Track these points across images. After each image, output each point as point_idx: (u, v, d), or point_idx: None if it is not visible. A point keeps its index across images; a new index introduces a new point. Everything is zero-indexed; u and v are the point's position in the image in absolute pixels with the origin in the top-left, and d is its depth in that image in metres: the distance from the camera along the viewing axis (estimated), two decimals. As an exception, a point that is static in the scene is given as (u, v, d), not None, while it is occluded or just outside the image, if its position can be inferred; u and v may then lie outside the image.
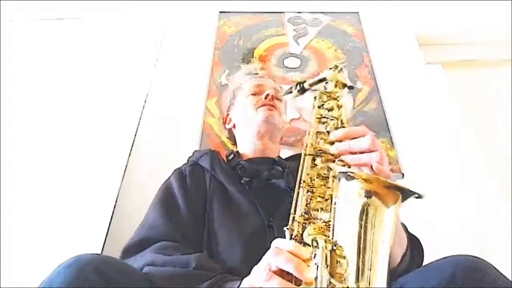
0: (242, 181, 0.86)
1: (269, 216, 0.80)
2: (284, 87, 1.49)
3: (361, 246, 0.47)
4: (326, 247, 0.49)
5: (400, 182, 0.49)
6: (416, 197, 0.50)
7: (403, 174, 1.27)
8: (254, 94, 1.04)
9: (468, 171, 1.32)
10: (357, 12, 1.82)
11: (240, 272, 0.69)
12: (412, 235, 0.75)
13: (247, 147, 1.01)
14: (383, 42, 1.69)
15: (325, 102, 0.72)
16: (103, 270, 0.54)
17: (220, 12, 1.82)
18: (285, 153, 1.09)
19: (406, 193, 0.49)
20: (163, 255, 0.70)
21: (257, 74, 1.19)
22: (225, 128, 1.15)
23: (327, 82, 0.75)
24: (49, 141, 1.36)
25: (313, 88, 0.76)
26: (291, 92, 0.80)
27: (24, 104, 1.49)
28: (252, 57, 1.64)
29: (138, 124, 1.41)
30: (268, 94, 1.01)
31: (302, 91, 0.80)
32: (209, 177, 0.89)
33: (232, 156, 0.97)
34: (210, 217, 0.81)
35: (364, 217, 0.48)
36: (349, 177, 0.50)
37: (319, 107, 0.72)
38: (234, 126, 1.08)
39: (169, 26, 1.77)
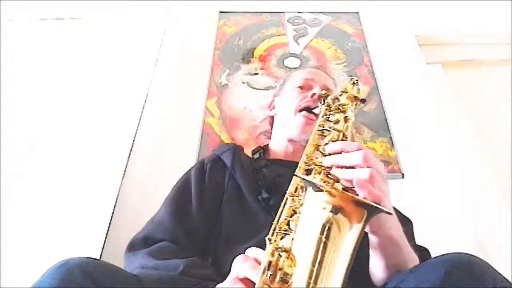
0: (259, 198, 0.82)
1: None
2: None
3: (318, 259, 0.45)
4: (273, 254, 0.49)
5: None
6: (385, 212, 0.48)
7: (403, 174, 1.27)
8: (301, 88, 0.99)
9: (468, 171, 1.32)
10: (357, 12, 1.82)
11: None
12: (422, 248, 0.73)
13: (278, 145, 0.98)
14: (383, 42, 1.69)
15: (331, 114, 0.68)
16: (91, 273, 0.55)
17: (220, 12, 1.82)
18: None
19: (372, 210, 0.46)
20: (156, 259, 0.70)
21: (317, 67, 1.12)
22: (268, 114, 1.10)
23: (341, 95, 0.71)
24: (49, 141, 1.36)
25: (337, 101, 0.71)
26: (319, 112, 0.76)
27: (24, 104, 1.49)
28: (252, 57, 1.64)
29: (138, 125, 1.41)
30: (314, 94, 0.95)
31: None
32: (228, 177, 0.86)
33: (258, 155, 0.93)
34: (224, 222, 0.79)
35: (325, 232, 0.46)
36: (316, 188, 0.48)
37: (325, 118, 0.69)
38: (275, 115, 1.05)
39: (169, 26, 1.77)
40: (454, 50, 1.81)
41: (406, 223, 0.81)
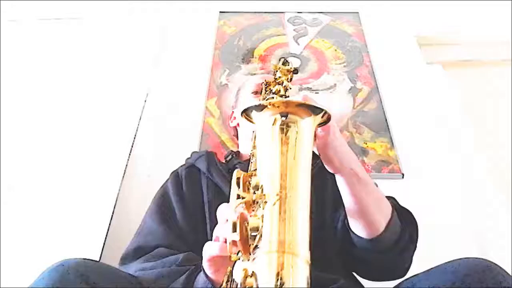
0: None
1: None
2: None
3: (282, 162, 0.46)
4: (239, 176, 0.50)
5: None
6: (322, 116, 0.50)
7: (403, 174, 1.27)
8: (255, 93, 1.00)
9: (468, 171, 1.32)
10: (357, 12, 1.82)
11: None
12: (404, 208, 0.75)
13: (247, 149, 0.99)
14: (383, 42, 1.69)
15: (271, 88, 0.76)
16: (87, 274, 0.56)
17: (220, 12, 1.82)
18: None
19: (314, 110, 0.49)
20: (153, 261, 0.71)
21: (267, 72, 1.16)
22: (230, 125, 1.13)
23: (275, 73, 0.79)
24: (49, 141, 1.36)
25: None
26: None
27: (24, 104, 1.49)
28: (252, 57, 1.64)
29: (138, 124, 1.41)
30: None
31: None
32: (206, 181, 0.88)
33: (230, 157, 0.96)
34: (211, 221, 0.80)
35: (283, 134, 0.47)
36: (259, 107, 0.49)
37: (267, 94, 0.75)
38: (238, 125, 1.07)
39: (169, 26, 1.77)
40: (454, 50, 1.81)
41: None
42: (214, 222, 0.78)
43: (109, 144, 1.35)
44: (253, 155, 0.62)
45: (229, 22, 1.79)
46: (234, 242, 0.42)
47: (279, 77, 0.76)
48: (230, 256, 0.44)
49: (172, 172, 0.94)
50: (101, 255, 1.09)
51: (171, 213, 0.83)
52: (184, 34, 1.75)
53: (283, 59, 0.82)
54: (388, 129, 1.38)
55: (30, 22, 1.81)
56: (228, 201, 0.82)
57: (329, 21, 1.80)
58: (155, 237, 0.79)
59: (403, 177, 1.27)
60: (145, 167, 1.29)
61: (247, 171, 0.85)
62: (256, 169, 0.54)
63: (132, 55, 1.65)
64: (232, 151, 1.00)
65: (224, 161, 0.96)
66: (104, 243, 1.11)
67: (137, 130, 1.40)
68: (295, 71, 0.79)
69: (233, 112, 1.11)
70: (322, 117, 0.50)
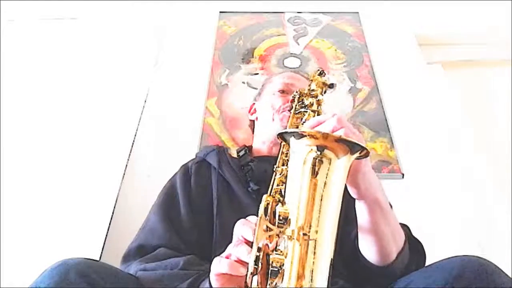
0: (249, 189, 0.83)
1: None
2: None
3: (311, 197, 0.46)
4: (268, 202, 0.49)
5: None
6: (360, 152, 0.49)
7: (403, 174, 1.27)
8: (281, 92, 0.98)
9: (468, 171, 1.32)
10: (357, 12, 1.82)
11: None
12: (415, 238, 0.74)
13: (261, 146, 0.98)
14: (383, 42, 1.69)
15: (304, 100, 0.76)
16: (88, 273, 0.56)
17: (220, 12, 1.83)
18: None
19: (353, 146, 0.49)
20: (155, 262, 0.71)
21: (296, 72, 1.13)
22: (248, 118, 1.10)
23: (310, 84, 0.79)
24: (49, 142, 1.36)
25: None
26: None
27: (24, 104, 1.49)
28: (252, 57, 1.64)
29: (138, 124, 1.41)
30: (293, 99, 0.96)
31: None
32: (216, 176, 0.87)
33: (243, 152, 0.94)
34: (221, 219, 0.79)
35: (315, 169, 0.47)
36: (299, 135, 0.50)
37: (300, 105, 0.75)
38: (256, 119, 1.05)
39: (169, 26, 1.77)
40: (454, 50, 1.81)
41: None
42: (223, 219, 0.79)
43: (109, 144, 1.35)
44: (276, 172, 0.60)
45: (229, 22, 1.79)
46: (254, 271, 0.42)
47: (313, 89, 0.76)
48: (245, 281, 0.44)
49: (182, 166, 0.92)
50: (101, 255, 1.09)
51: (175, 209, 0.82)
52: (184, 34, 1.75)
53: (320, 69, 0.81)
54: (388, 129, 1.38)
55: (30, 22, 1.82)
56: (236, 199, 0.84)
57: (329, 21, 1.80)
58: (156, 236, 0.78)
59: (403, 177, 1.27)
60: (145, 167, 1.29)
61: (260, 174, 0.84)
62: (280, 185, 0.55)
63: (132, 55, 1.65)
64: (245, 145, 0.99)
65: (236, 156, 0.94)
66: (104, 243, 1.11)
67: (137, 130, 1.40)
68: (332, 85, 0.78)
69: (253, 104, 1.08)
70: (360, 153, 0.50)
